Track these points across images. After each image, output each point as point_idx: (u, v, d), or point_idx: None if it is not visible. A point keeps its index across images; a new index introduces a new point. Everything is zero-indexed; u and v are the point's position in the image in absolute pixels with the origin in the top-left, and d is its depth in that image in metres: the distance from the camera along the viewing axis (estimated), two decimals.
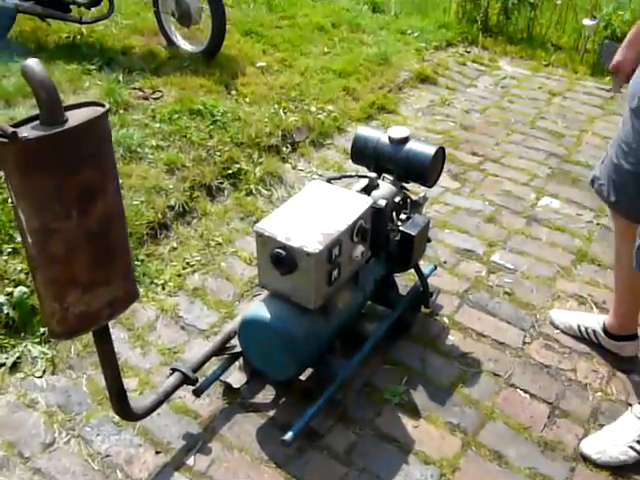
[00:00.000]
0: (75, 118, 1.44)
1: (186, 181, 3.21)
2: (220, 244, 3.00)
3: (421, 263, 2.84)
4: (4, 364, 2.35)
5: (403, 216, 2.35)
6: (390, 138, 2.39)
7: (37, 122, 1.40)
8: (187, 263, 2.89)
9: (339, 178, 2.44)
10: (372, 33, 5.29)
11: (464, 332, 2.58)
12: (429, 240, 2.47)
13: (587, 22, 5.09)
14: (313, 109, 4.06)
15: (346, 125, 4.06)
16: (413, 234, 2.27)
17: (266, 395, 2.29)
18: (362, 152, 2.45)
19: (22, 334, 2.45)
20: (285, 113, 3.92)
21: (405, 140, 2.37)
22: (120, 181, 3.05)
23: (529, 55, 5.37)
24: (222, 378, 2.30)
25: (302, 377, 2.28)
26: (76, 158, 1.43)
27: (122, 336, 2.52)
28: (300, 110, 4.01)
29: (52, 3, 4.16)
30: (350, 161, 2.54)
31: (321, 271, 1.98)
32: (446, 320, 2.63)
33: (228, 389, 2.30)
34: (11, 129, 1.32)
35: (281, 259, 1.95)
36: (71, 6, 4.25)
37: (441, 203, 3.40)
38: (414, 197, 2.50)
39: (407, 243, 2.29)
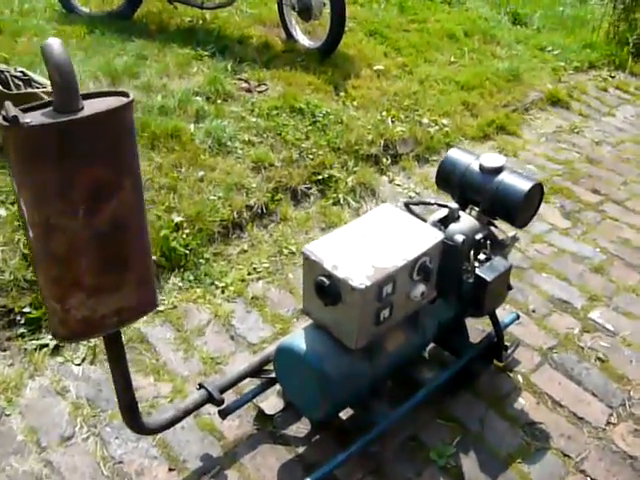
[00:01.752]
0: (93, 107, 1.29)
1: (271, 181, 3.06)
2: (293, 253, 2.83)
3: (502, 309, 2.55)
4: (47, 345, 2.31)
5: (482, 256, 2.06)
6: (481, 166, 2.10)
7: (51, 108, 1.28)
8: (254, 268, 2.74)
9: (417, 204, 2.18)
10: (507, 46, 4.90)
11: (538, 397, 2.24)
12: (510, 287, 2.15)
13: None
14: (425, 121, 3.79)
15: (458, 142, 3.75)
16: (488, 279, 1.97)
17: (300, 428, 2.09)
18: (448, 178, 2.17)
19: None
20: (393, 122, 3.68)
21: (498, 170, 2.08)
22: (201, 173, 3.01)
23: None
24: (258, 401, 2.13)
25: (343, 416, 2.07)
26: (87, 151, 1.29)
27: (168, 336, 2.41)
28: (410, 120, 3.75)
29: None
30: None
31: (367, 309, 1.74)
32: (520, 379, 2.30)
33: (261, 414, 2.12)
34: (14, 112, 1.20)
35: (324, 288, 1.74)
36: None
37: (545, 243, 3.03)
38: (502, 236, 2.20)
39: (480, 288, 2.00)
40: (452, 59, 4.58)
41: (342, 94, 3.78)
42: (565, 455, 2.05)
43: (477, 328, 2.43)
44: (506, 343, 2.34)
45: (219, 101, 3.41)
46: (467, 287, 2.02)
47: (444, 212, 2.08)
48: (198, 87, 3.47)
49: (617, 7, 5.16)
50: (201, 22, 4.39)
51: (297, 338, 1.87)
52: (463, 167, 2.14)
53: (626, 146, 3.98)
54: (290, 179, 3.10)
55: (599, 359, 2.40)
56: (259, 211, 2.95)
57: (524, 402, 2.22)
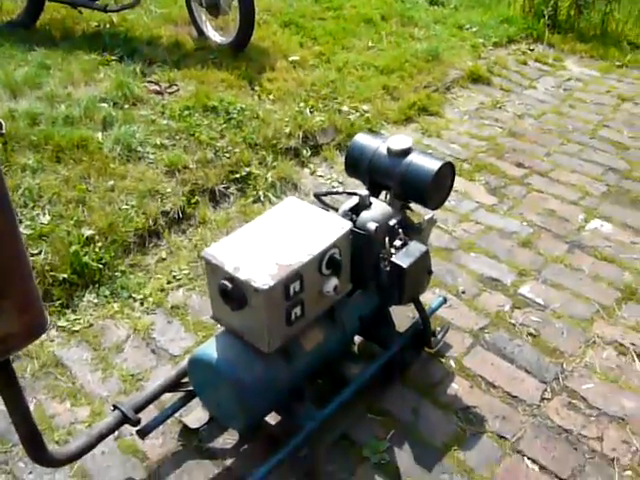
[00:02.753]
0: None
1: (186, 184, 2.94)
2: None
3: (432, 293, 2.50)
4: None
5: (398, 242, 1.99)
6: (389, 149, 2.03)
7: None
8: (173, 276, 2.62)
9: (325, 194, 2.10)
10: (425, 27, 4.87)
11: (471, 380, 2.19)
12: (430, 272, 2.08)
13: None
14: (345, 109, 3.72)
15: (380, 127, 3.69)
16: (404, 266, 1.90)
17: (227, 439, 1.99)
18: (357, 164, 2.10)
19: None
20: (312, 112, 3.59)
21: (406, 152, 2.01)
22: (112, 183, 2.87)
23: (600, 55, 4.82)
24: (181, 416, 2.02)
25: (272, 422, 1.98)
26: None
27: (84, 356, 2.28)
28: (329, 109, 3.67)
29: None
30: None
31: (276, 309, 1.65)
32: (452, 364, 2.24)
33: (185, 429, 2.02)
34: None
35: (228, 293, 1.64)
36: None
37: (471, 221, 2.99)
38: (418, 220, 2.14)
39: (398, 275, 1.93)
40: (370, 44, 4.52)
41: (257, 88, 3.67)
42: (501, 437, 2.00)
43: (407, 316, 2.37)
44: (436, 328, 2.29)
45: (127, 106, 3.27)
46: (385, 276, 1.95)
47: (355, 200, 2.00)
48: (105, 93, 3.32)
49: None
50: (108, 26, 4.22)
51: (208, 347, 1.77)
52: (371, 152, 2.06)
53: (548, 117, 3.99)
54: (207, 180, 2.99)
55: (530, 334, 2.37)
56: (176, 216, 2.83)
57: (457, 387, 2.16)
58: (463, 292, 2.57)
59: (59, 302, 2.43)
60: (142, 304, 2.49)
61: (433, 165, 1.96)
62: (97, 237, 2.61)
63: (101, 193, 2.77)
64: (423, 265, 2.01)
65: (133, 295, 2.52)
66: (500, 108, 4.08)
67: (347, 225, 1.80)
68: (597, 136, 3.75)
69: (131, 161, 2.96)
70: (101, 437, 1.81)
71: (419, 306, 2.15)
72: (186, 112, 3.28)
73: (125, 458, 1.94)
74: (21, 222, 2.57)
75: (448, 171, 2.03)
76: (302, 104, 3.62)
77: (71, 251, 2.50)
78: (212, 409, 1.90)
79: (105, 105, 3.23)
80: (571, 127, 3.85)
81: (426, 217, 2.14)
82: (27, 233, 2.52)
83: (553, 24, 5.05)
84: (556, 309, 2.49)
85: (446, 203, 2.14)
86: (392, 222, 1.99)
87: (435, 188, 1.99)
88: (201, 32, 4.14)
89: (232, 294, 1.63)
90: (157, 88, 3.45)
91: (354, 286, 1.96)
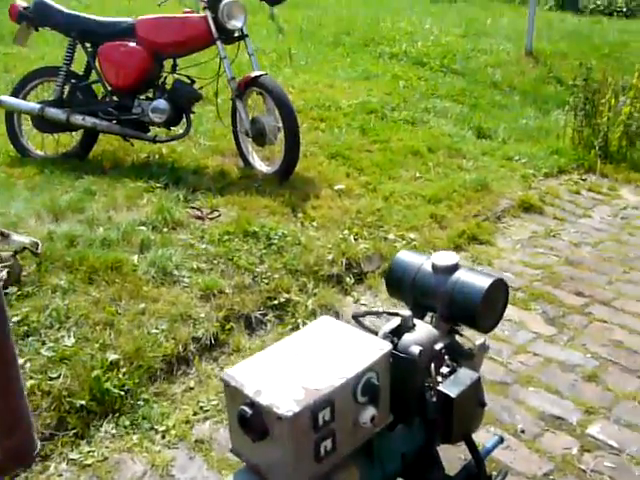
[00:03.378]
0: None
1: (221, 310, 2.79)
2: None
3: (486, 432, 2.20)
4: None
5: (445, 369, 1.75)
6: (434, 266, 1.85)
7: None
8: (200, 407, 2.40)
9: (364, 315, 1.90)
10: (473, 159, 4.82)
11: None
12: (483, 404, 1.82)
13: None
14: (391, 237, 3.60)
15: None
16: (452, 395, 1.65)
17: None
18: (399, 283, 1.91)
19: None
20: (356, 239, 3.47)
21: (452, 269, 1.82)
22: (142, 305, 2.75)
23: None
24: None
25: None
26: None
27: None
28: (375, 237, 3.55)
29: (131, 123, 4.11)
30: None
31: (302, 441, 1.42)
32: None
33: None
34: None
35: (247, 420, 1.42)
36: (151, 126, 4.19)
37: (529, 353, 2.72)
38: (469, 345, 1.91)
39: (446, 407, 1.68)
40: (417, 174, 4.47)
41: (300, 215, 3.60)
42: None
43: (458, 457, 2.08)
44: (492, 473, 1.98)
45: (166, 230, 3.21)
46: (431, 407, 1.70)
47: (396, 322, 1.79)
48: (145, 217, 3.28)
49: (578, 114, 5.16)
50: (157, 156, 4.30)
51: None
52: (414, 270, 1.88)
53: (606, 245, 3.77)
54: (243, 306, 2.84)
55: None
56: (208, 343, 2.66)
57: None
58: (522, 431, 2.27)
59: (73, 432, 2.22)
60: (164, 437, 2.27)
61: (484, 282, 1.76)
62: (122, 362, 2.44)
63: (131, 316, 2.64)
64: (475, 395, 1.75)
65: (155, 427, 2.30)
66: (554, 237, 3.89)
67: (387, 347, 1.59)
68: None
69: (165, 284, 2.84)
70: None
71: (472, 446, 1.86)
72: (226, 237, 3.20)
73: None
74: (44, 344, 2.44)
75: (501, 288, 1.82)
76: (346, 231, 3.51)
77: (92, 376, 2.33)
78: None
79: (144, 228, 3.18)
80: (632, 255, 3.61)
81: (477, 342, 1.91)
82: (48, 355, 2.38)
83: (604, 155, 4.95)
84: (633, 453, 2.15)
85: (500, 332, 1.94)
86: (438, 346, 1.76)
87: (486, 307, 1.77)
88: (247, 162, 4.17)
89: (252, 422, 1.41)
90: (198, 213, 3.41)
91: (395, 419, 1.72)
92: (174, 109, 4.02)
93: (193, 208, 3.49)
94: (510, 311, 1.91)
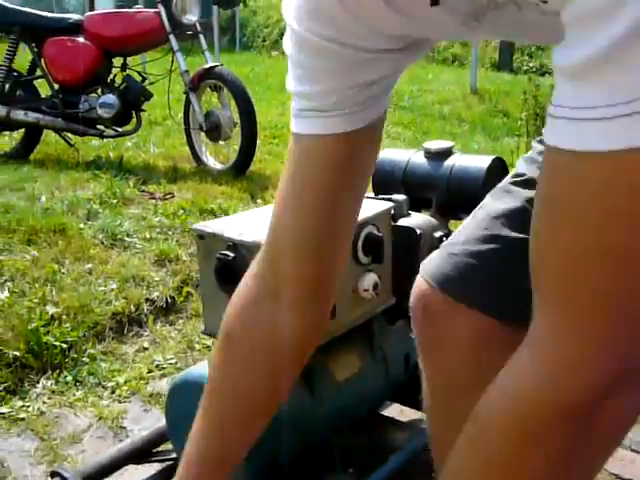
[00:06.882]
0: None
1: (177, 275, 2.51)
2: (208, 347, 2.21)
3: None
4: None
5: None
6: (426, 153, 1.67)
7: None
8: (156, 366, 2.09)
9: None
10: None
11: None
12: None
13: None
14: None
15: None
16: None
17: None
18: (388, 179, 1.71)
19: None
20: None
21: (447, 153, 1.65)
22: (89, 266, 2.45)
23: None
24: None
25: None
26: None
27: (26, 447, 1.69)
28: None
29: (77, 119, 3.87)
30: None
31: None
32: None
33: None
34: None
35: (229, 266, 1.17)
36: (98, 125, 3.96)
37: None
38: None
39: None
40: None
41: (259, 201, 3.38)
42: None
43: None
44: None
45: (115, 202, 2.94)
46: None
47: (387, 206, 1.59)
48: (93, 195, 3.01)
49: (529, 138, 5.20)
50: (104, 159, 4.04)
51: (199, 368, 1.26)
52: (403, 162, 1.70)
53: None
54: None
55: None
56: (163, 305, 2.37)
57: None
58: None
59: (4, 386, 1.88)
60: (113, 392, 1.94)
61: (482, 162, 1.59)
62: (64, 317, 2.12)
63: (75, 275, 2.33)
64: None
65: (103, 383, 1.98)
66: None
67: (387, 204, 1.39)
68: None
69: (115, 248, 2.56)
70: None
71: None
72: (181, 212, 2.95)
73: None
74: None
75: (498, 167, 1.65)
76: None
77: (29, 328, 2.00)
78: None
79: (91, 202, 2.90)
80: None
81: None
82: None
83: None
84: None
85: None
86: (438, 234, 1.56)
87: (487, 190, 1.59)
88: (199, 160, 3.93)
89: (235, 266, 1.16)
90: (151, 195, 3.16)
91: (396, 314, 1.49)
92: (123, 105, 3.81)
93: (144, 192, 3.23)
94: None
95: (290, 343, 0.85)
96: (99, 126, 3.97)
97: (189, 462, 0.89)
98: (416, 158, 1.69)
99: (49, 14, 4.06)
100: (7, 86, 3.97)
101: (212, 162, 3.96)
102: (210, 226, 1.24)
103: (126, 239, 2.63)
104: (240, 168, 3.75)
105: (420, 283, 1.08)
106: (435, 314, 1.03)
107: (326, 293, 0.89)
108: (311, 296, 0.85)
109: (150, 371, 2.07)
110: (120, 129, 3.98)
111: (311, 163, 0.81)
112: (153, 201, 3.09)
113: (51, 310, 2.12)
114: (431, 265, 1.03)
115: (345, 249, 0.92)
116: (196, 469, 0.89)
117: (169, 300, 2.40)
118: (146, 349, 2.19)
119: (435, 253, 1.10)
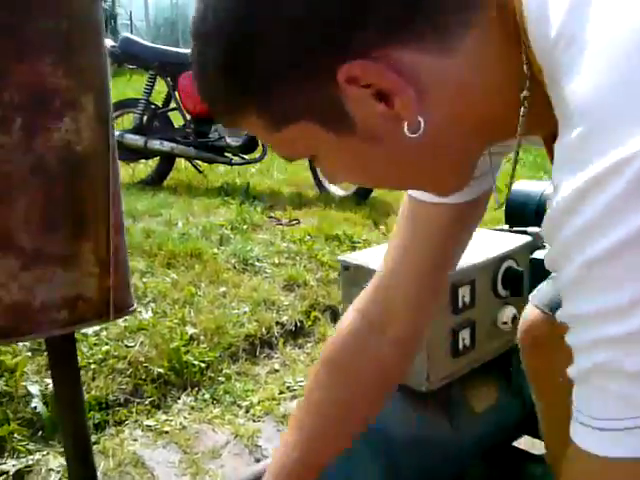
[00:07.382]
0: None
1: (306, 299, 2.60)
2: None
3: None
4: (7, 472, 1.72)
5: None
6: None
7: None
8: (287, 387, 2.17)
9: None
10: None
11: None
12: None
13: None
14: None
15: None
16: None
17: None
18: (522, 212, 1.72)
19: (48, 439, 1.83)
20: None
21: None
22: (223, 289, 2.59)
23: None
24: None
25: None
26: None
27: (171, 459, 1.80)
28: None
29: (207, 147, 4.10)
30: None
31: (439, 323, 1.20)
32: None
33: None
34: None
35: None
36: (226, 153, 4.17)
37: None
38: None
39: None
40: None
41: (382, 227, 3.44)
42: None
43: None
44: None
45: (245, 227, 3.09)
46: None
47: (524, 240, 1.59)
48: (224, 221, 3.17)
49: None
50: (230, 182, 4.24)
51: None
52: (538, 194, 1.70)
53: None
54: (328, 298, 2.64)
55: None
56: (292, 329, 2.46)
57: None
58: None
59: (149, 400, 2.02)
60: (248, 411, 2.04)
61: None
62: (202, 338, 2.25)
63: (211, 297, 2.47)
64: None
65: (238, 402, 2.08)
66: None
67: (526, 239, 1.39)
68: None
69: (247, 273, 2.69)
70: None
71: None
72: (307, 238, 3.05)
73: None
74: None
75: None
76: None
77: (171, 347, 2.15)
78: None
79: (223, 228, 3.06)
80: None
81: None
82: (125, 325, 2.22)
83: None
84: None
85: None
86: None
87: None
88: (322, 188, 4.06)
89: None
90: (278, 221, 3.29)
91: None
92: (250, 134, 4.00)
93: (272, 217, 3.37)
94: None
95: (389, 371, 0.94)
96: (227, 154, 4.18)
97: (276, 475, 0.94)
98: (550, 190, 1.68)
99: (183, 50, 4.33)
100: (145, 118, 4.26)
101: (334, 188, 4.06)
102: (355, 257, 1.30)
103: (256, 264, 2.76)
104: (362, 195, 3.82)
105: (529, 312, 1.12)
106: (545, 344, 1.06)
107: (420, 337, 0.96)
108: (410, 337, 0.94)
109: (281, 392, 2.15)
110: (247, 157, 4.17)
111: (423, 222, 0.86)
112: (280, 227, 3.22)
113: (190, 330, 2.25)
114: (540, 294, 1.10)
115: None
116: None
117: (298, 324, 2.49)
118: (277, 371, 2.28)
119: (544, 283, 1.14)
